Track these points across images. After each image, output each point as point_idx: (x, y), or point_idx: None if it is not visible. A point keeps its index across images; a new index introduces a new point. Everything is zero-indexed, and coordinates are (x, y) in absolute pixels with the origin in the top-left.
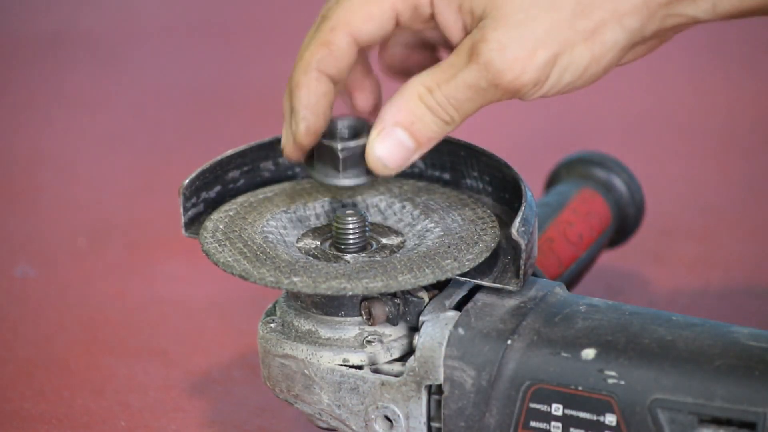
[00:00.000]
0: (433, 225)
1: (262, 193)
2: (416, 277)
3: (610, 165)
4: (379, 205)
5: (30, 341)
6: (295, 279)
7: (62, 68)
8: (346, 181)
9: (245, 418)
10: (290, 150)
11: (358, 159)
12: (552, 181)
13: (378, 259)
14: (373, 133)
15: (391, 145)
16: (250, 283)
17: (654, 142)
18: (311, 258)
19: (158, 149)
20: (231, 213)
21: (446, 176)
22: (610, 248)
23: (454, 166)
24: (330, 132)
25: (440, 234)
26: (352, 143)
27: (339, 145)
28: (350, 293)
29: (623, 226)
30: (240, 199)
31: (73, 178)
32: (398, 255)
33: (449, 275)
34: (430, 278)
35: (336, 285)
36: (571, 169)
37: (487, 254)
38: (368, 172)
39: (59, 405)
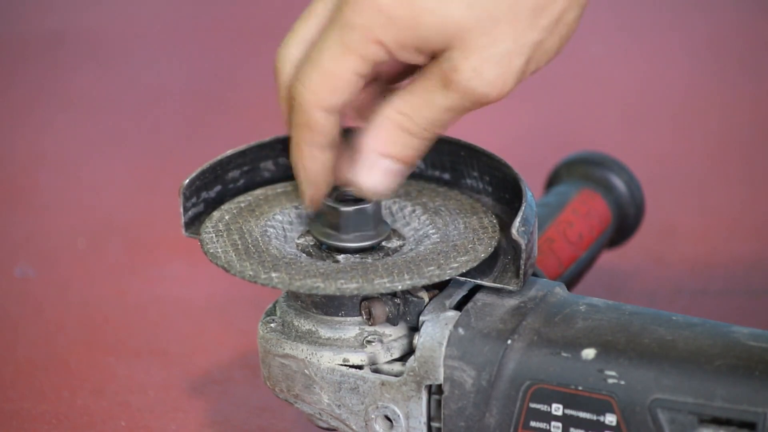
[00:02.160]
0: (433, 231)
1: (281, 186)
2: (393, 281)
3: (610, 165)
4: (391, 208)
5: (30, 341)
6: (273, 275)
7: (62, 68)
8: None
9: (245, 418)
10: (306, 207)
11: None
12: (552, 181)
13: (368, 261)
14: (358, 166)
15: (379, 175)
16: (233, 276)
17: (654, 142)
18: (304, 255)
19: (158, 149)
20: (242, 204)
21: (446, 176)
22: (610, 248)
23: (454, 166)
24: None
25: (436, 240)
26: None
27: (341, 207)
28: (323, 293)
29: (623, 226)
30: (258, 191)
31: (73, 178)
32: (388, 258)
33: (426, 282)
34: (407, 283)
35: (310, 283)
36: (571, 169)
37: (474, 264)
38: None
39: (59, 405)
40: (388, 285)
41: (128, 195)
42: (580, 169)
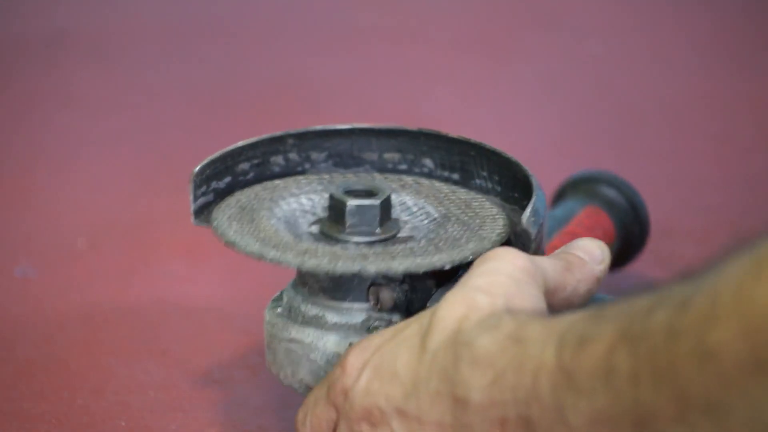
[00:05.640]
0: (448, 223)
1: (294, 178)
2: (409, 263)
3: (618, 185)
4: (406, 202)
5: (30, 341)
6: (283, 254)
7: (62, 68)
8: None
9: (245, 418)
10: None
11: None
12: (558, 197)
13: (382, 247)
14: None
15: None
16: (240, 253)
17: (654, 142)
18: (315, 240)
19: (158, 149)
20: (254, 192)
21: (455, 176)
22: (613, 270)
23: (464, 166)
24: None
25: (448, 231)
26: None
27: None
28: (339, 271)
29: (627, 246)
30: (269, 182)
31: (73, 178)
32: (403, 244)
33: (441, 264)
34: (424, 262)
35: (322, 263)
36: (577, 188)
37: (485, 250)
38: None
39: (59, 405)
40: (404, 266)
41: (128, 195)
42: (587, 188)
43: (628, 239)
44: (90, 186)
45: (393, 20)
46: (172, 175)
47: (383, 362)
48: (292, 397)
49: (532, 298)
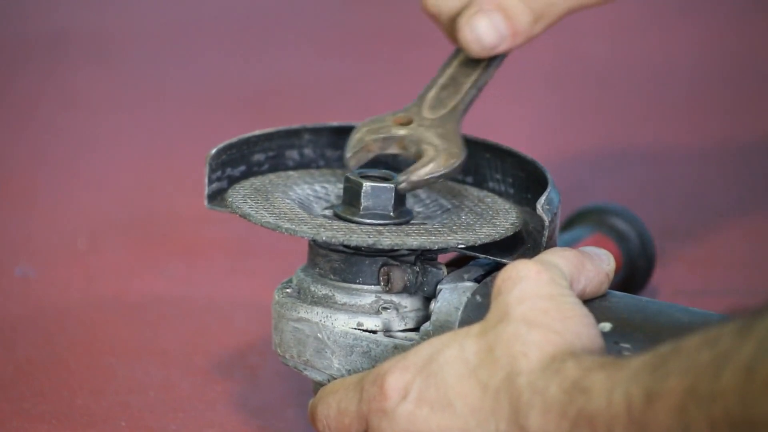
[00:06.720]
0: (462, 212)
1: (307, 170)
2: (428, 240)
3: (628, 218)
4: (419, 194)
5: (30, 341)
6: (299, 226)
7: (63, 68)
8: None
9: (245, 418)
10: None
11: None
12: (567, 225)
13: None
14: (468, 12)
15: (487, 25)
16: (254, 224)
17: (654, 142)
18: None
19: (158, 149)
20: (269, 179)
21: (469, 179)
22: None
23: (478, 169)
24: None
25: (464, 217)
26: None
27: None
28: (358, 244)
29: (631, 277)
30: (283, 172)
31: (73, 178)
32: (419, 225)
33: (462, 243)
34: (442, 241)
35: (340, 235)
36: (587, 217)
37: (499, 236)
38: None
39: (59, 405)
40: (419, 242)
41: (128, 194)
42: (596, 218)
43: (634, 271)
44: (90, 186)
45: (393, 20)
46: (172, 175)
47: (429, 388)
48: (292, 398)
49: (574, 310)
